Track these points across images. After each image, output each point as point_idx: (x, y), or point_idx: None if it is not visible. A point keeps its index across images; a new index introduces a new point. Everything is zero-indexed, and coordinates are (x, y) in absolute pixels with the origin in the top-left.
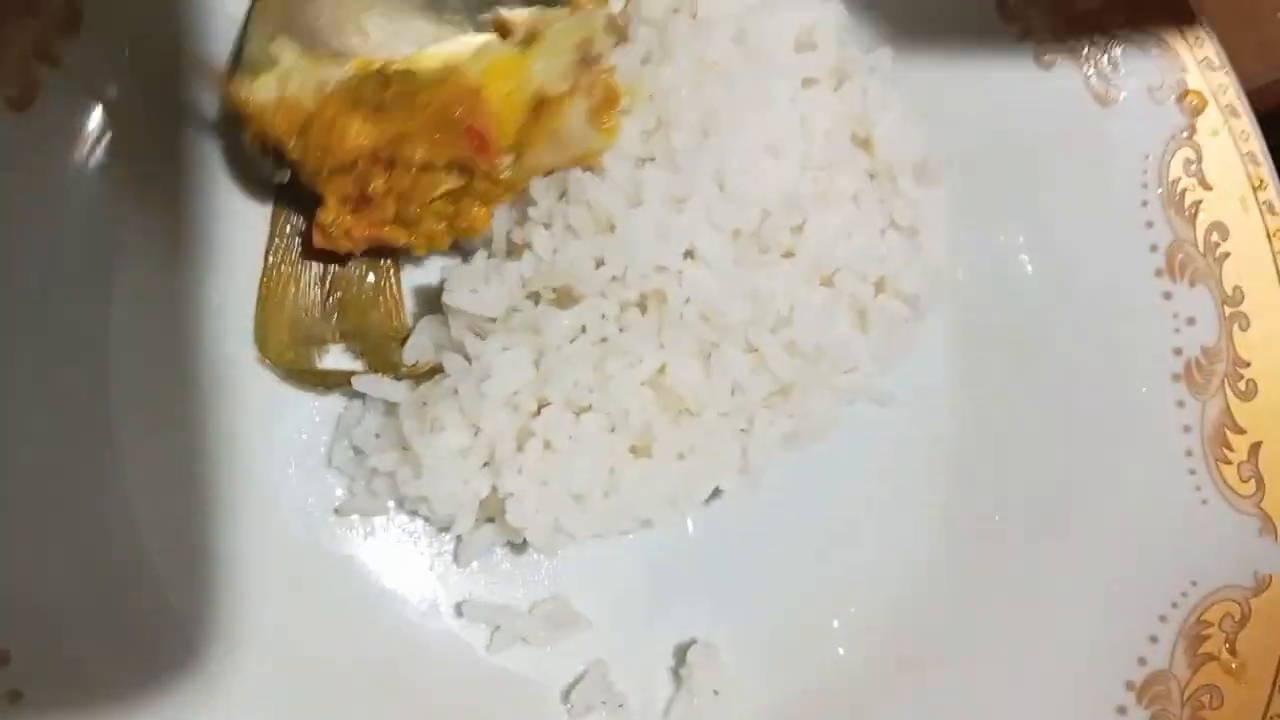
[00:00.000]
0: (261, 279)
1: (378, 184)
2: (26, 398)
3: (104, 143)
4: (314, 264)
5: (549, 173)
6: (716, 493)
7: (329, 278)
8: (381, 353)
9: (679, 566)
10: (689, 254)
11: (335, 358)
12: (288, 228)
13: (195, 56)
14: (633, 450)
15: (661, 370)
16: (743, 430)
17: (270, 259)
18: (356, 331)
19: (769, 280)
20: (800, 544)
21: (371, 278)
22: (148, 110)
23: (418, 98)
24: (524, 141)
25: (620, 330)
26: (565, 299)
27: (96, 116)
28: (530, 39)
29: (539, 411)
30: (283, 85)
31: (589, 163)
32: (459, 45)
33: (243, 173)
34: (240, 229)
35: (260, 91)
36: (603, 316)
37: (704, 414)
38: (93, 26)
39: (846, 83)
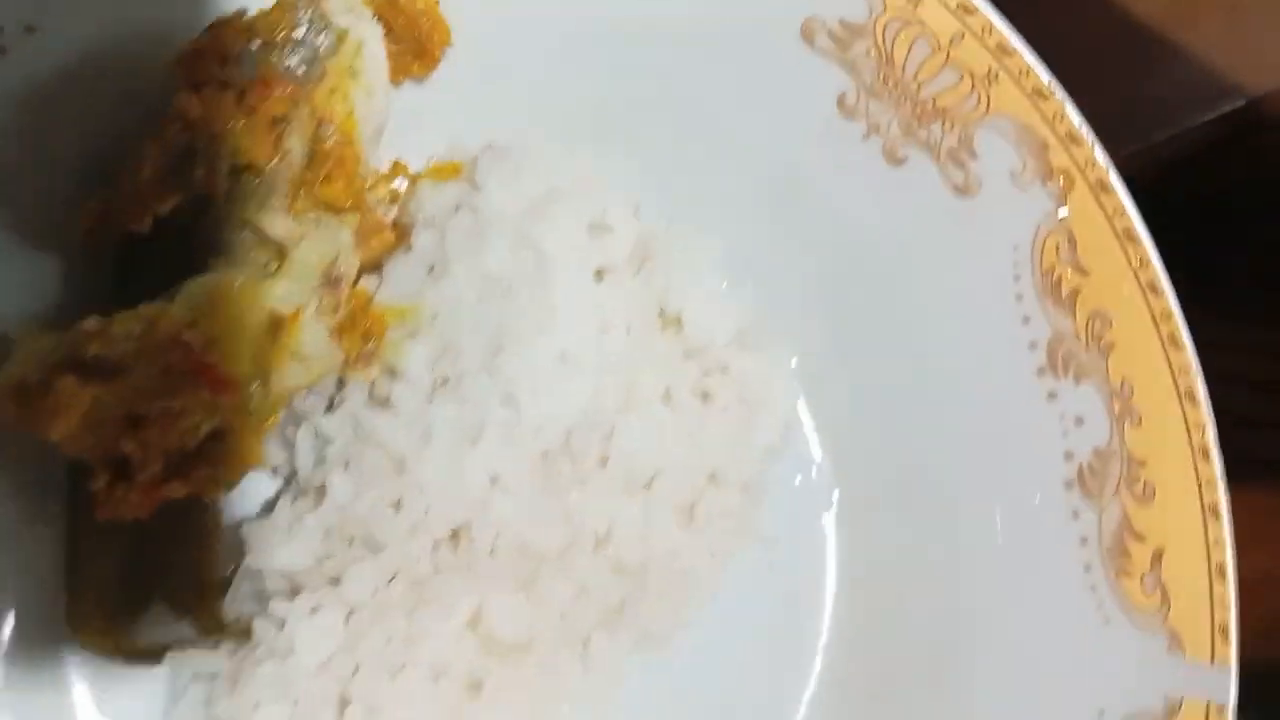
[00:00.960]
0: (68, 557)
1: (130, 443)
2: None
3: None
4: (121, 529)
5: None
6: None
7: (140, 537)
8: (207, 612)
9: None
10: (494, 481)
11: (160, 617)
12: (84, 500)
13: None
14: (468, 687)
15: (479, 612)
16: (580, 655)
17: (72, 535)
18: (174, 591)
19: (582, 500)
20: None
21: (181, 525)
22: None
23: (130, 349)
24: (266, 366)
25: (434, 570)
26: (374, 543)
27: None
28: (278, 260)
29: (356, 671)
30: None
31: (356, 376)
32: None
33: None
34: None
35: None
36: (414, 560)
37: (534, 645)
38: None
39: (647, 264)
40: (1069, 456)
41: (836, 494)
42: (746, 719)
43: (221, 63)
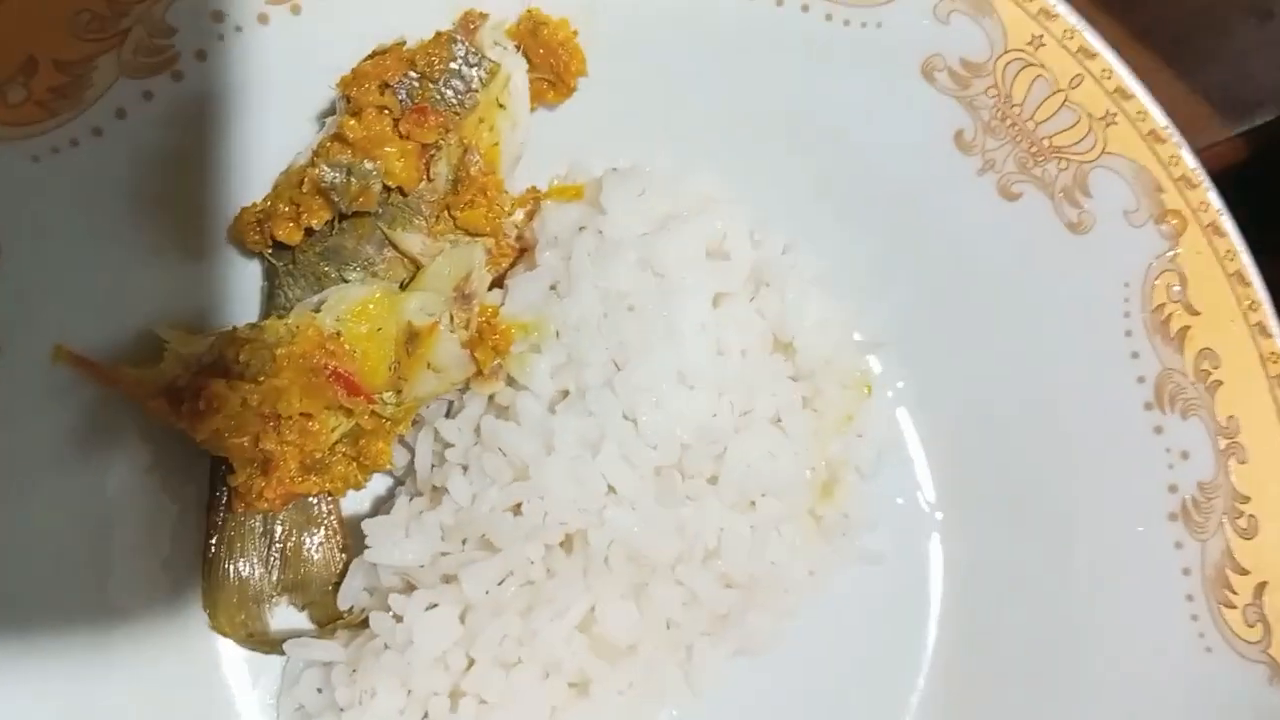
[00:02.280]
0: (205, 547)
1: (270, 441)
2: None
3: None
4: (255, 519)
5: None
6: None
7: (270, 531)
8: (323, 604)
9: None
10: (610, 491)
11: (284, 609)
12: (223, 493)
13: (72, 355)
14: (573, 686)
15: (591, 614)
16: (683, 660)
17: (211, 519)
18: (298, 584)
19: (694, 514)
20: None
21: (312, 526)
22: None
23: (275, 354)
24: (401, 375)
25: (548, 573)
26: (489, 544)
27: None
28: (412, 278)
29: (470, 666)
30: (160, 366)
31: (480, 388)
32: (348, 295)
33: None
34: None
35: (141, 376)
36: (529, 562)
37: (640, 649)
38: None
39: (763, 289)
40: (1173, 489)
41: (941, 517)
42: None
43: (382, 89)
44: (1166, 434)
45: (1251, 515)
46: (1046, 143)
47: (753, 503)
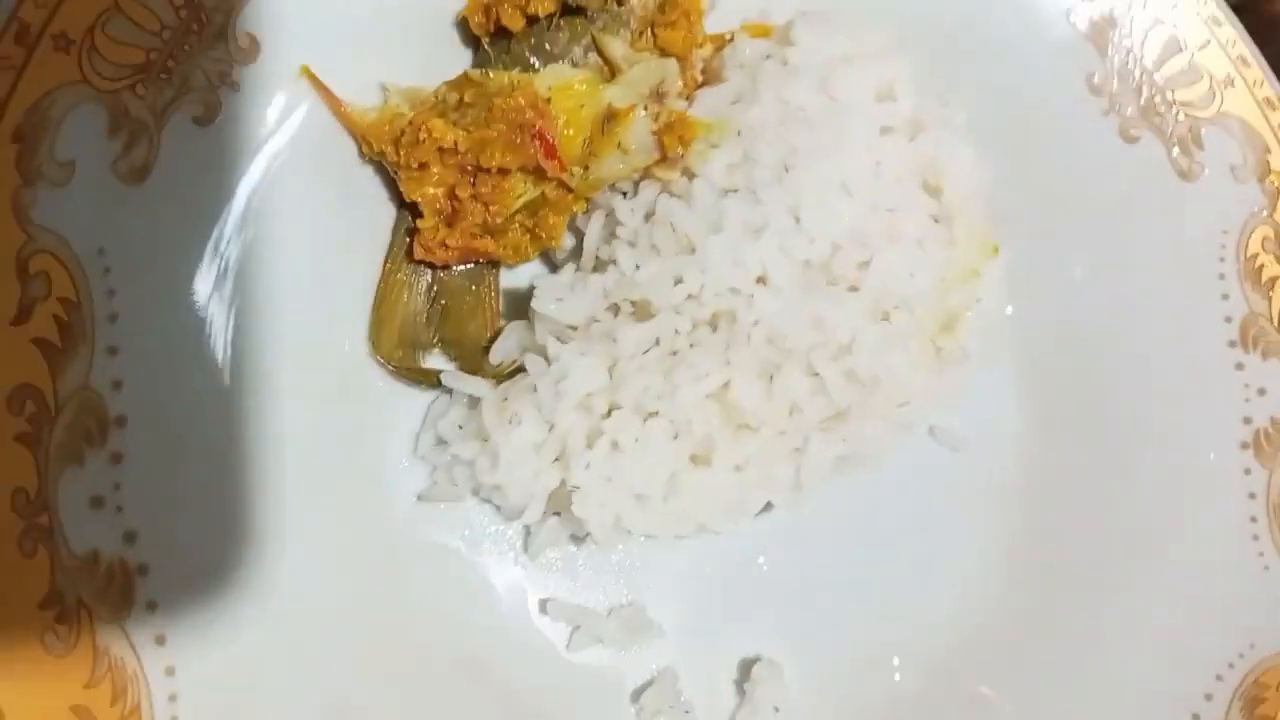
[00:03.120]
0: (379, 284)
1: (463, 191)
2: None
3: (270, 155)
4: (426, 272)
5: (622, 184)
6: (768, 507)
7: (436, 285)
8: (473, 359)
9: (750, 585)
10: (761, 280)
11: (434, 359)
12: (403, 240)
13: (316, 79)
14: (693, 458)
15: (726, 386)
16: (797, 450)
17: (387, 266)
18: (454, 339)
19: (833, 310)
20: (867, 573)
21: (473, 288)
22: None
23: (492, 105)
24: (592, 152)
25: (691, 345)
26: (643, 313)
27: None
28: (613, 73)
29: (609, 414)
30: (385, 106)
31: (661, 174)
32: (556, 73)
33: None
34: (368, 238)
35: (368, 113)
36: (676, 331)
37: (762, 430)
38: (267, 59)
39: (921, 134)
40: (1247, 421)
41: (1023, 416)
42: (926, 580)
43: None
44: (1247, 371)
45: None
46: (1170, 95)
47: (886, 314)
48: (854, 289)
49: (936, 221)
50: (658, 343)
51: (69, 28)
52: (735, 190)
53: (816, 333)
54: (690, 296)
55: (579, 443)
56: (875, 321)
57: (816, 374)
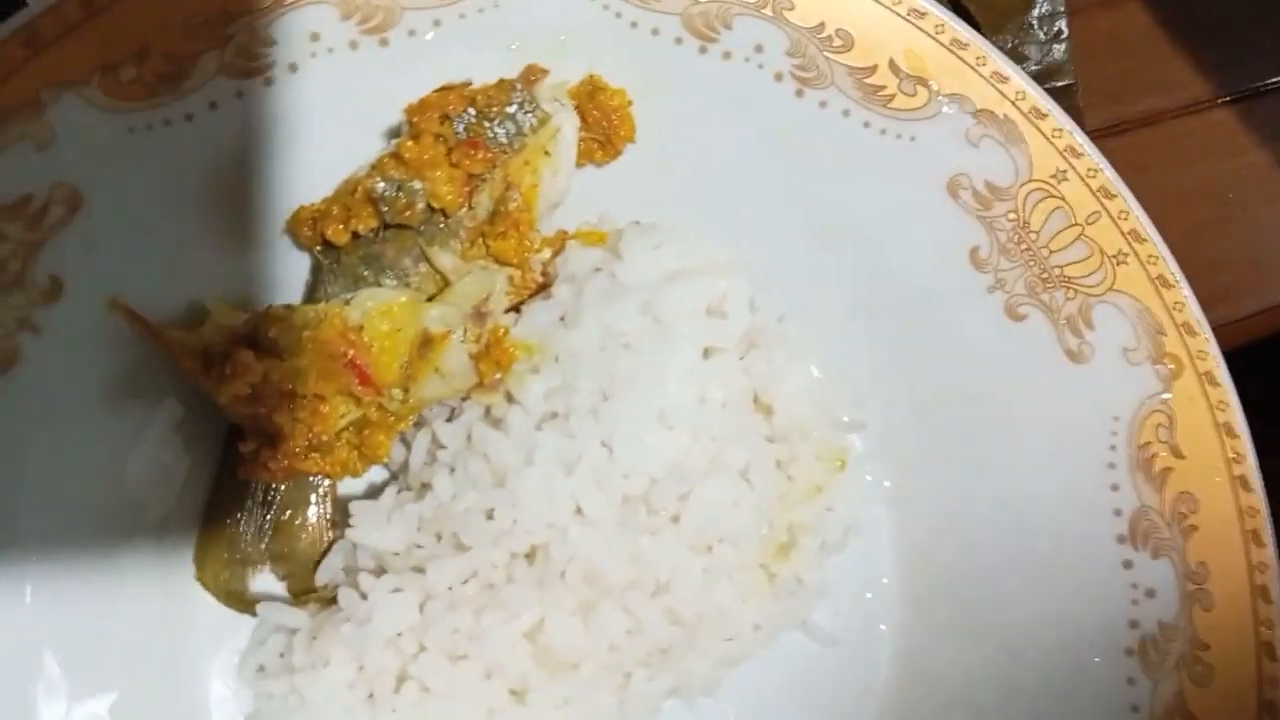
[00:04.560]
0: (207, 502)
1: (283, 416)
2: None
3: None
4: (257, 487)
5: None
6: None
7: (269, 501)
8: (302, 577)
9: None
10: (578, 512)
11: (263, 577)
12: (232, 458)
13: (127, 308)
14: (512, 693)
15: (540, 624)
16: (620, 685)
17: (215, 483)
18: (284, 555)
19: (652, 546)
20: None
21: (306, 499)
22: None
23: (301, 335)
24: (410, 376)
25: (508, 579)
26: (459, 544)
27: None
28: (439, 292)
29: (420, 652)
30: (200, 331)
31: (480, 398)
32: (377, 295)
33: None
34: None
35: (184, 337)
36: (492, 565)
37: (582, 667)
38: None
39: (753, 350)
40: (1134, 625)
41: (896, 610)
42: None
43: (442, 120)
44: (1135, 570)
45: (1209, 663)
46: (1057, 271)
47: (709, 547)
48: (675, 518)
49: (770, 441)
50: (475, 574)
51: None
52: (555, 415)
53: (633, 569)
54: (504, 531)
55: (388, 685)
56: (697, 555)
57: (633, 613)
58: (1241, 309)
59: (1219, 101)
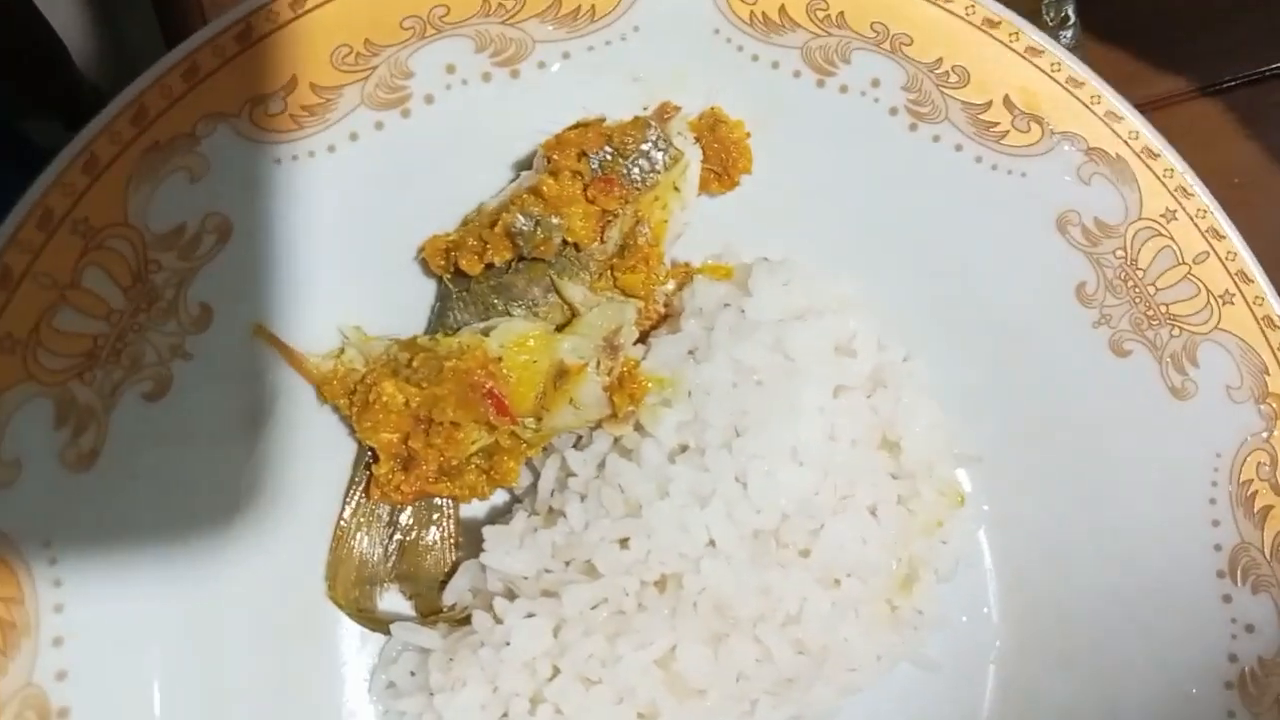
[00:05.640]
0: (337, 522)
1: (418, 441)
2: None
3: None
4: (384, 508)
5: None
6: None
7: (394, 520)
8: (428, 597)
9: None
10: (710, 544)
11: (391, 596)
12: (363, 478)
13: (272, 336)
14: (640, 716)
15: (671, 652)
16: (745, 713)
17: (346, 503)
18: (410, 575)
19: (781, 579)
20: None
21: (431, 521)
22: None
23: (444, 366)
24: (545, 405)
25: (639, 606)
26: (591, 570)
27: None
28: (567, 322)
29: (554, 676)
30: (341, 359)
31: (611, 429)
32: (514, 327)
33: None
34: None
35: (324, 364)
36: (624, 593)
37: (709, 694)
38: (222, 324)
39: (880, 389)
40: (1233, 659)
41: (999, 643)
42: None
43: (579, 156)
44: (1234, 604)
45: None
46: (1164, 309)
47: (837, 581)
48: (805, 553)
49: (895, 478)
50: (606, 601)
51: (14, 328)
52: (686, 448)
53: (764, 601)
54: (637, 560)
55: (523, 706)
56: (825, 589)
57: (763, 644)
58: None
59: (1231, 84)
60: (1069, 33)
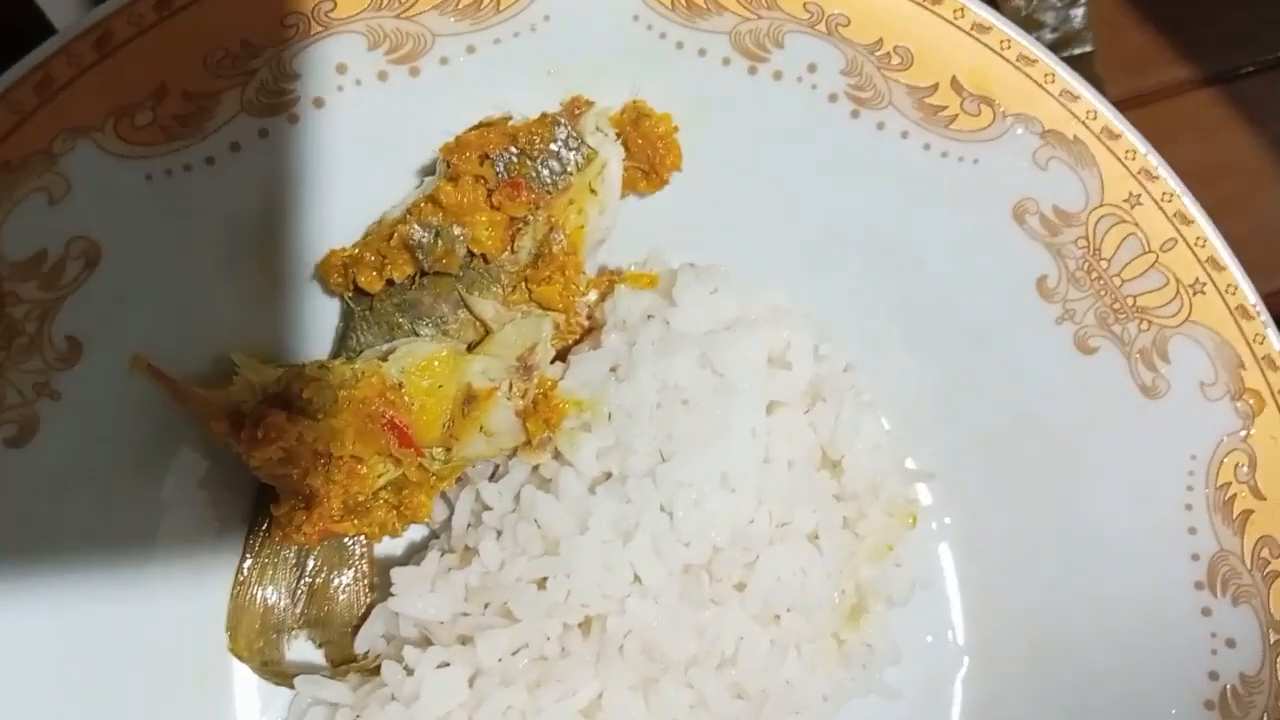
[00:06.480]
0: (238, 568)
1: (317, 478)
2: None
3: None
4: (289, 550)
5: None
6: None
7: (303, 564)
8: (341, 644)
9: None
10: (635, 581)
11: (300, 644)
12: (264, 519)
13: (152, 368)
14: None
15: (597, 700)
16: None
17: (247, 549)
18: (320, 621)
19: (716, 618)
20: None
21: (343, 565)
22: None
23: (338, 395)
24: (454, 434)
25: (561, 652)
26: (508, 613)
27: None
28: (480, 340)
29: None
30: (228, 389)
31: (527, 457)
32: (418, 349)
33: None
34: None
35: (213, 396)
36: (545, 637)
37: None
38: (94, 358)
39: (819, 404)
40: (1214, 676)
41: (968, 661)
42: None
43: (481, 160)
44: (1214, 617)
45: None
46: (1130, 301)
47: (777, 617)
48: (740, 587)
49: (839, 500)
50: (527, 645)
51: None
52: (609, 475)
53: (696, 642)
54: (557, 602)
55: None
56: (763, 626)
57: (697, 689)
58: (1270, 285)
59: (1243, 72)
60: (1079, 13)
